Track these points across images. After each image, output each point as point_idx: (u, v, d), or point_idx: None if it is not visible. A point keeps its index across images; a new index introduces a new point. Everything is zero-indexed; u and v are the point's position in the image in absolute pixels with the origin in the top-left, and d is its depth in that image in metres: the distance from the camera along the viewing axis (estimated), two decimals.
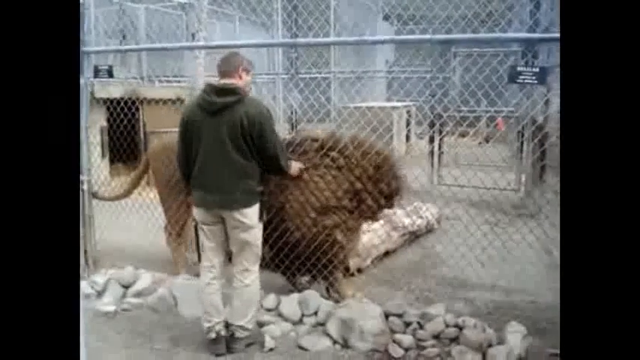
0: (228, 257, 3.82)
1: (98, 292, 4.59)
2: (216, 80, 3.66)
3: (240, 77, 3.62)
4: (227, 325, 3.78)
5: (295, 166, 4.01)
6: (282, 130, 11.94)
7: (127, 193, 5.66)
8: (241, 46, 5.21)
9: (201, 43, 5.58)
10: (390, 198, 4.37)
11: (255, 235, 3.67)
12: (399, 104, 12.42)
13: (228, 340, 3.77)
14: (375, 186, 4.27)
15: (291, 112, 8.64)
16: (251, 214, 3.60)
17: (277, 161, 3.69)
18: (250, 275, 3.69)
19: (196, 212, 3.75)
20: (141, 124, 9.85)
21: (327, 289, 4.52)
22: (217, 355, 3.70)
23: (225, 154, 3.52)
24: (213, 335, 3.73)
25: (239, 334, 3.73)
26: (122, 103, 6.45)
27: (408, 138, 13.33)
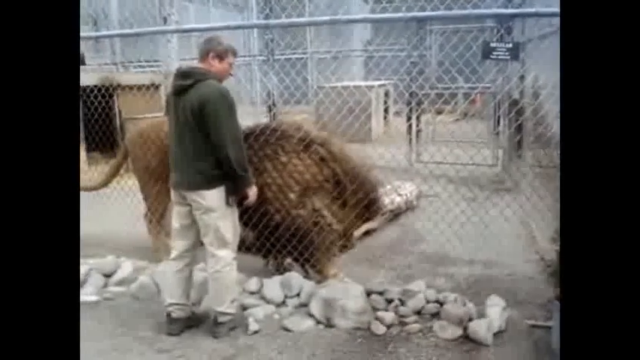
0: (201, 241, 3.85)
1: (80, 282, 4.56)
2: (185, 65, 3.69)
3: (210, 63, 3.61)
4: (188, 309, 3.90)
5: (253, 190, 3.73)
6: (260, 114, 11.90)
7: (106, 182, 5.61)
8: (213, 29, 5.15)
9: (173, 27, 5.51)
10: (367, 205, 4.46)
11: (217, 219, 3.61)
12: (375, 83, 12.42)
13: (210, 324, 3.81)
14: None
15: (268, 95, 8.60)
16: (210, 197, 3.57)
17: (224, 150, 3.46)
18: (219, 261, 3.67)
19: (171, 192, 3.83)
20: (116, 111, 9.73)
21: (307, 270, 4.55)
22: (169, 334, 3.79)
23: (182, 134, 3.59)
24: (167, 316, 3.83)
25: (221, 318, 3.76)
26: (96, 91, 6.36)
27: (385, 117, 13.35)
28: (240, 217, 4.03)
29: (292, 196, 4.23)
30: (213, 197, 3.58)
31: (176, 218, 3.81)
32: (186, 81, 3.54)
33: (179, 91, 3.57)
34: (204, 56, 3.62)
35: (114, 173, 5.54)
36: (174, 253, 3.84)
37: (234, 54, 3.73)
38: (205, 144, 3.52)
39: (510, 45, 4.01)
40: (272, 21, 5.44)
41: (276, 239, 4.32)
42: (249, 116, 9.45)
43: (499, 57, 4.04)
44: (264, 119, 8.93)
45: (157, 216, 5.03)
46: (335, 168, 4.31)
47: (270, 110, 7.29)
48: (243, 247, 4.49)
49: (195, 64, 3.70)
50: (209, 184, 3.57)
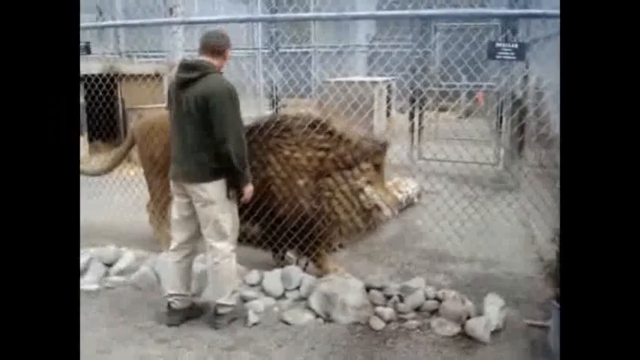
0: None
1: (80, 270, 4.58)
2: (190, 56, 3.68)
3: (212, 57, 3.61)
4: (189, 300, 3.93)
5: (249, 187, 3.72)
6: (262, 105, 11.90)
7: (109, 169, 5.62)
8: (221, 21, 5.16)
9: (179, 18, 5.53)
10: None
11: (217, 211, 3.63)
12: (379, 79, 12.40)
13: (210, 315, 3.84)
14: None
15: (272, 88, 8.61)
16: (210, 189, 3.58)
17: (226, 145, 3.46)
18: (218, 253, 3.69)
19: (170, 184, 3.84)
20: (119, 100, 9.74)
21: (306, 264, 4.56)
22: (169, 325, 3.82)
23: (184, 127, 3.60)
24: (168, 306, 3.87)
25: (221, 310, 3.78)
26: (100, 80, 6.37)
27: (388, 113, 13.34)
28: (243, 210, 4.05)
29: (301, 183, 4.25)
30: (214, 190, 3.60)
31: (176, 210, 3.83)
32: (191, 74, 3.54)
33: (183, 84, 3.56)
34: (206, 50, 3.62)
35: (118, 161, 5.56)
36: (174, 244, 3.87)
37: (230, 47, 3.74)
38: (208, 137, 3.52)
39: (516, 45, 4.02)
40: (279, 15, 5.45)
41: (279, 232, 4.35)
42: (251, 108, 9.46)
43: (504, 57, 4.05)
44: (267, 111, 8.95)
45: (160, 206, 5.05)
46: (340, 152, 4.30)
47: (273, 103, 7.30)
48: (245, 239, 4.52)
49: (197, 56, 3.70)
50: (210, 176, 3.58)
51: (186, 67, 3.61)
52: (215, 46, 3.62)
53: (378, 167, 4.39)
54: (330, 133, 4.31)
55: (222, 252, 3.70)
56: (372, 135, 4.44)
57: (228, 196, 3.65)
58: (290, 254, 4.72)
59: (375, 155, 4.34)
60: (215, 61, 3.61)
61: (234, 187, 3.66)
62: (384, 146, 4.40)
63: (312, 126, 4.32)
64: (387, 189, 4.62)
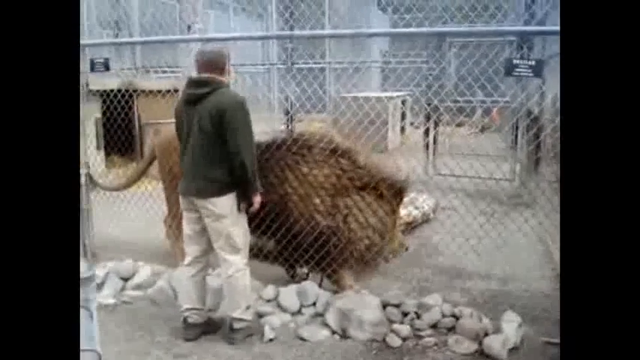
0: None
1: (97, 284, 4.61)
2: (196, 74, 3.72)
3: (218, 73, 3.65)
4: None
5: (258, 198, 3.74)
6: (277, 120, 11.95)
7: (130, 184, 5.66)
8: (238, 38, 5.23)
9: (197, 35, 5.60)
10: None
11: (229, 225, 3.65)
12: (394, 94, 12.43)
13: (226, 330, 3.84)
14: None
15: (288, 104, 8.65)
16: (221, 204, 3.61)
17: (240, 157, 3.51)
18: (231, 267, 3.71)
19: (180, 199, 3.87)
20: (136, 115, 9.82)
21: (321, 280, 4.56)
22: (186, 340, 3.83)
23: (195, 142, 3.63)
24: (184, 321, 3.87)
25: (237, 325, 3.79)
26: (119, 96, 6.44)
27: (403, 129, 13.36)
28: (260, 226, 4.06)
29: (317, 200, 4.26)
30: (225, 204, 3.63)
31: (187, 225, 3.86)
32: (201, 89, 3.58)
33: (194, 100, 3.61)
34: (208, 67, 3.64)
35: (138, 177, 5.60)
36: (187, 259, 3.89)
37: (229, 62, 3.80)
38: (219, 151, 3.57)
39: (533, 62, 4.02)
40: (295, 32, 5.50)
41: (295, 248, 4.35)
42: (266, 122, 9.50)
43: (521, 74, 4.05)
44: (281, 126, 8.99)
45: (177, 221, 5.07)
46: (358, 174, 4.31)
47: (290, 119, 7.34)
48: (261, 255, 4.53)
49: (201, 74, 3.70)
50: (220, 191, 3.62)
51: (196, 83, 3.65)
52: (216, 63, 3.65)
53: (393, 209, 4.41)
54: (345, 153, 4.34)
55: (236, 265, 3.72)
56: (393, 174, 4.45)
57: (238, 209, 3.69)
58: (304, 269, 4.72)
59: (392, 191, 4.36)
60: (222, 77, 3.67)
61: (244, 199, 3.70)
62: (403, 187, 4.42)
63: (327, 146, 4.34)
64: (396, 235, 4.64)
